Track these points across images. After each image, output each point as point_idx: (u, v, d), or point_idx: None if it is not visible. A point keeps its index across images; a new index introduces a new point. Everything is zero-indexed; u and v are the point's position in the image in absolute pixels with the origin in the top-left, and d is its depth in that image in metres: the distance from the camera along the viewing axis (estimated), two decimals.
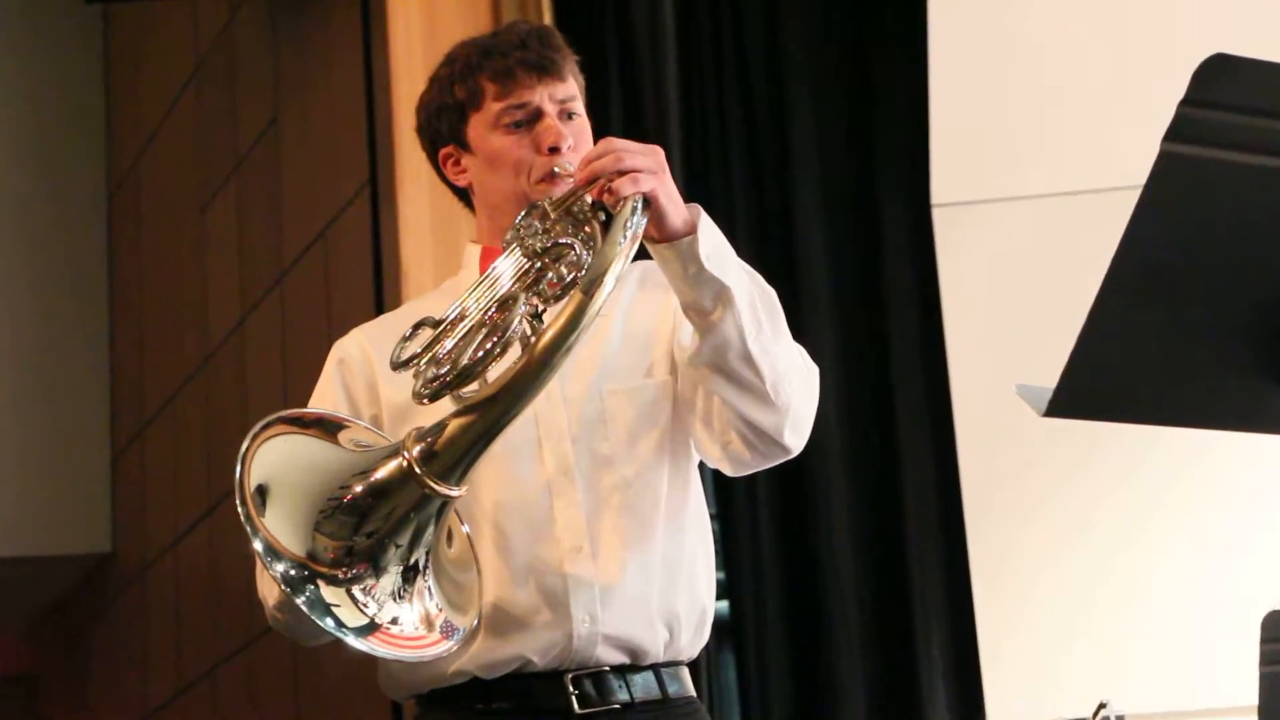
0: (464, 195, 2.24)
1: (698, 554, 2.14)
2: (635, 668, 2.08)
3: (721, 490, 3.67)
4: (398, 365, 1.94)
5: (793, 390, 2.02)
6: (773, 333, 2.01)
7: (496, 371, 1.89)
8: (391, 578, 1.87)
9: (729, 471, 2.12)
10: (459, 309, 1.94)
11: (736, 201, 3.89)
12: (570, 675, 2.06)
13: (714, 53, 3.95)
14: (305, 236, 4.62)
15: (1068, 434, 3.40)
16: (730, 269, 1.98)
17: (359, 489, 1.87)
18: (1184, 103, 1.50)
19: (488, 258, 2.17)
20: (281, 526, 1.85)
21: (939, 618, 3.65)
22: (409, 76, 4.06)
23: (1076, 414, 1.64)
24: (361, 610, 1.84)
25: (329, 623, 1.83)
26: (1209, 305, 1.54)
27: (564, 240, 1.92)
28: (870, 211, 3.87)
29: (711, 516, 3.74)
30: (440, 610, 1.88)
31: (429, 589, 1.88)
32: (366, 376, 2.16)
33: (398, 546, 1.87)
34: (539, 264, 1.92)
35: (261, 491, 1.86)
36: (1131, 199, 1.57)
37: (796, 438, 2.05)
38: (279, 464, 1.89)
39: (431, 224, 4.02)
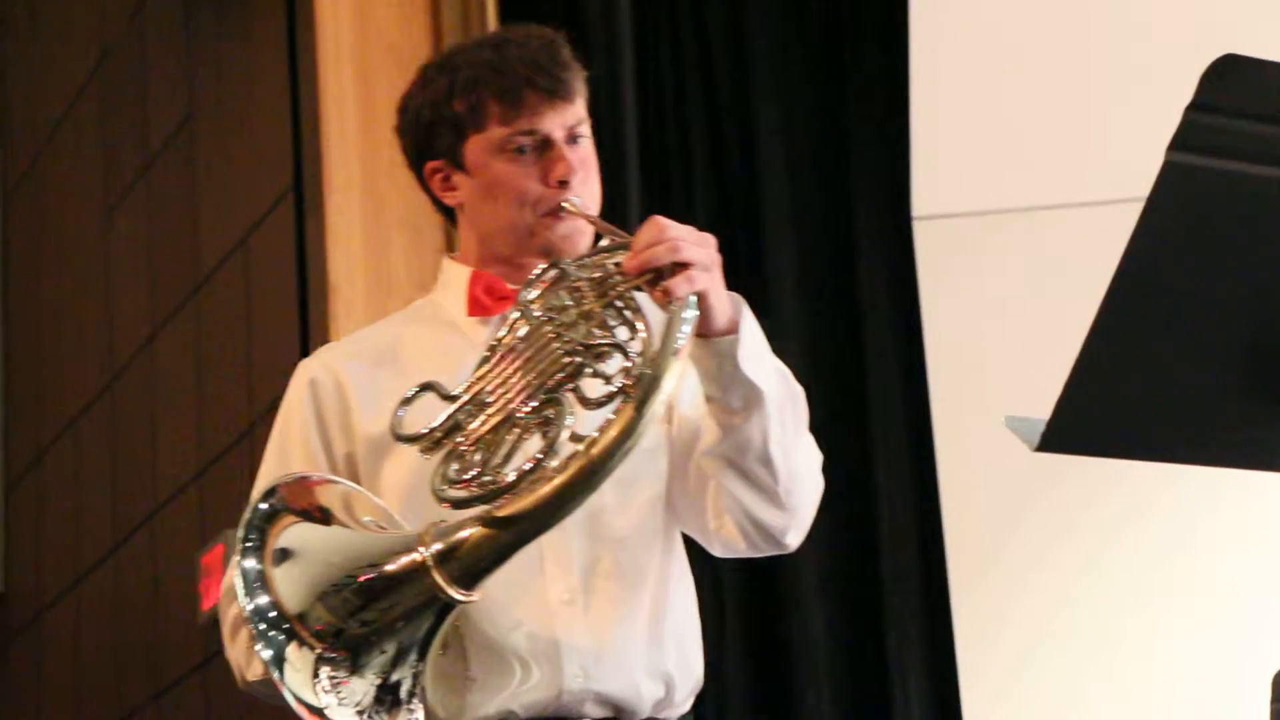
0: (447, 210, 2.25)
1: (686, 614, 2.19)
2: None
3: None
4: (402, 438, 1.97)
5: (803, 492, 2.09)
6: (795, 435, 2.06)
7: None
8: (365, 684, 1.89)
9: (716, 553, 2.17)
10: (476, 390, 1.96)
11: (699, 213, 3.89)
12: None
13: (673, 55, 3.95)
14: (224, 245, 4.60)
15: (1066, 472, 3.41)
16: (765, 371, 2.02)
17: (371, 575, 1.90)
18: (1191, 107, 1.50)
19: (477, 284, 2.17)
20: (288, 583, 1.88)
21: (919, 687, 3.65)
22: (337, 73, 4.04)
23: (1073, 449, 1.64)
24: (315, 688, 1.86)
25: (275, 674, 1.85)
26: (1219, 329, 1.54)
27: (608, 341, 1.93)
28: (845, 224, 3.88)
29: None
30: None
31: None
32: (339, 407, 2.16)
33: (382, 652, 1.89)
34: (579, 359, 1.93)
35: (284, 553, 1.89)
36: (1129, 213, 1.57)
37: (799, 536, 2.12)
38: (305, 535, 1.92)
39: (362, 235, 4.01)
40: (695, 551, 2.22)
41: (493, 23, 3.99)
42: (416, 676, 1.90)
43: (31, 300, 5.96)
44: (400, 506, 2.01)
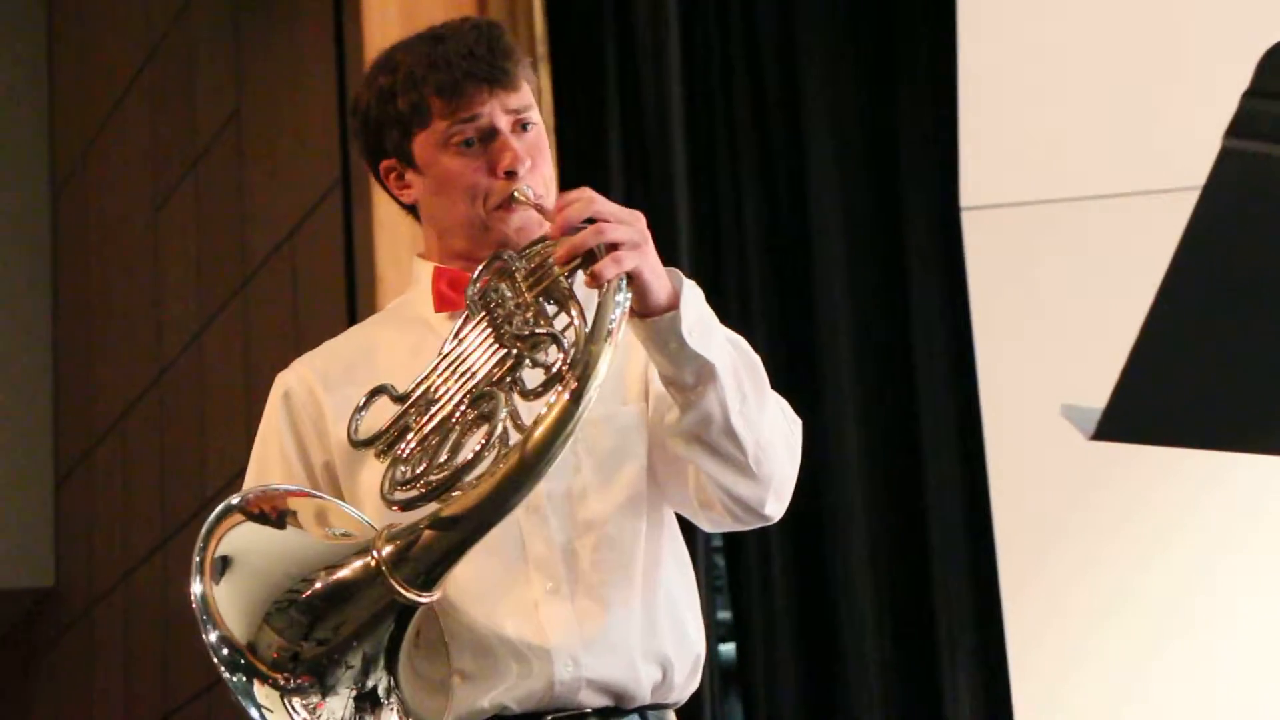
0: (410, 207, 2.24)
1: (681, 592, 2.16)
2: (619, 711, 2.10)
3: (729, 535, 3.67)
4: (358, 444, 1.99)
5: (775, 460, 2.06)
6: (757, 403, 2.03)
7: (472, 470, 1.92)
8: (342, 701, 1.89)
9: (706, 528, 2.17)
10: (424, 389, 1.98)
11: (745, 207, 3.88)
12: (549, 718, 2.07)
13: (721, 45, 3.95)
14: (271, 239, 4.61)
15: (1122, 462, 3.38)
16: (713, 343, 2.00)
17: (319, 585, 1.90)
18: (1248, 94, 1.49)
19: (441, 279, 2.17)
20: (230, 605, 1.88)
21: (968, 663, 3.64)
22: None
23: (1129, 438, 1.62)
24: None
25: (255, 716, 1.84)
26: (1277, 316, 1.53)
27: (543, 330, 1.94)
28: (894, 216, 3.86)
29: (716, 550, 3.78)
30: None
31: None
32: (313, 416, 2.16)
33: (349, 667, 1.89)
34: (515, 350, 1.95)
35: (224, 561, 1.89)
36: (1182, 201, 1.56)
37: (778, 505, 2.09)
38: (249, 538, 1.91)
39: (409, 225, 4.01)
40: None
41: (539, 14, 3.99)
42: (391, 676, 1.90)
43: (81, 295, 6.00)
44: (379, 513, 1.99)
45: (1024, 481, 3.67)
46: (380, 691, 1.89)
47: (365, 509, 2.01)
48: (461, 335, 1.99)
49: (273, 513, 1.94)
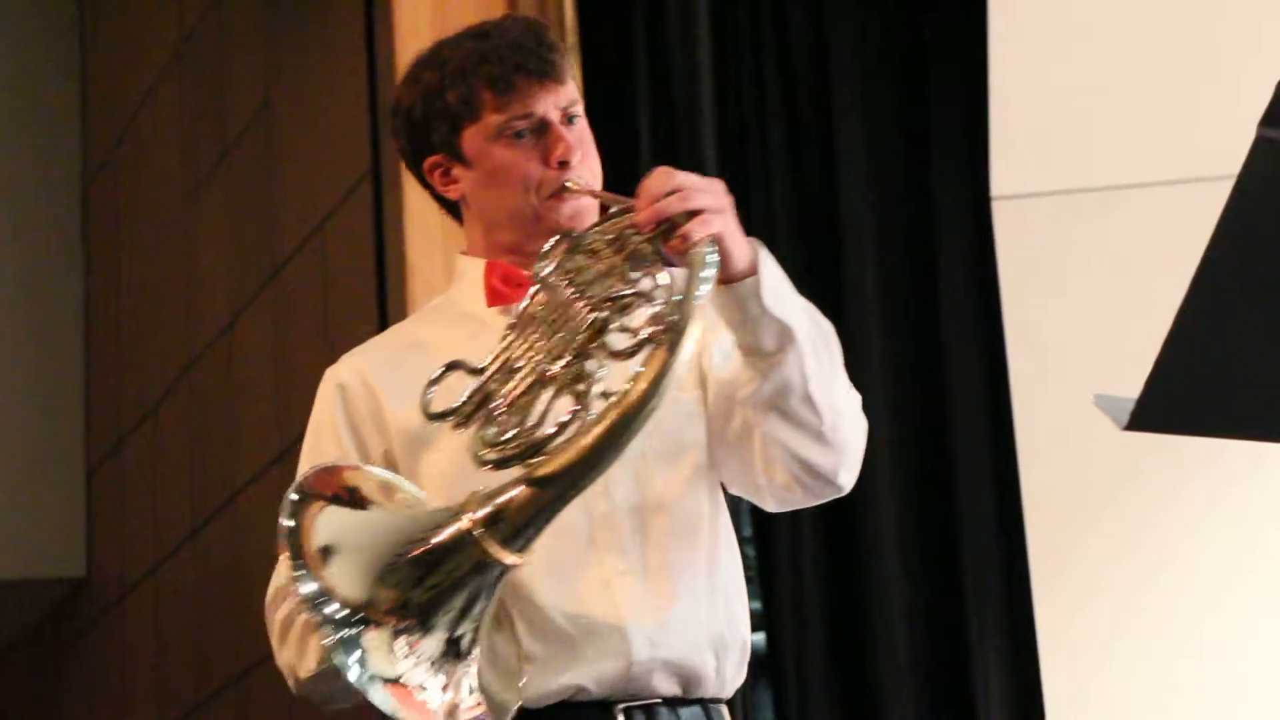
0: (451, 206, 2.25)
1: (735, 577, 2.18)
2: (685, 700, 2.11)
3: (758, 511, 3.67)
4: (432, 416, 1.97)
5: (848, 427, 2.08)
6: (831, 370, 2.06)
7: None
8: (434, 642, 1.89)
9: (770, 507, 2.17)
10: (503, 360, 1.96)
11: (775, 195, 3.88)
12: (621, 707, 2.09)
13: (752, 29, 3.94)
14: (302, 229, 4.63)
15: (1154, 452, 3.37)
16: (793, 308, 2.02)
17: (420, 550, 1.89)
18: None
19: (493, 274, 2.18)
20: (343, 579, 1.88)
21: (998, 653, 3.63)
22: (415, 56, 4.06)
23: (1162, 428, 1.62)
24: (393, 661, 1.86)
25: (354, 666, 1.84)
26: None
27: (630, 292, 1.94)
28: (923, 205, 3.86)
29: (746, 540, 3.78)
30: (470, 710, 1.89)
31: (467, 681, 1.90)
32: (370, 406, 2.16)
33: (447, 611, 1.89)
34: (602, 314, 1.94)
35: (326, 551, 1.88)
36: (1215, 190, 1.56)
37: (850, 475, 2.11)
38: (339, 521, 1.91)
39: (439, 217, 4.01)
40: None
41: (569, 9, 3.99)
42: (476, 632, 1.90)
43: (112, 285, 6.02)
44: (442, 496, 2.00)
45: (1055, 472, 3.66)
46: (464, 644, 1.89)
47: (427, 493, 2.01)
48: (533, 309, 1.99)
49: (344, 492, 1.93)
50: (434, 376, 1.98)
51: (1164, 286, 1.68)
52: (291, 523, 1.88)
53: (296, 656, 2.09)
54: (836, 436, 2.06)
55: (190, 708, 5.16)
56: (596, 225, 2.03)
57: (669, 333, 1.88)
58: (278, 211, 4.80)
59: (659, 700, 2.09)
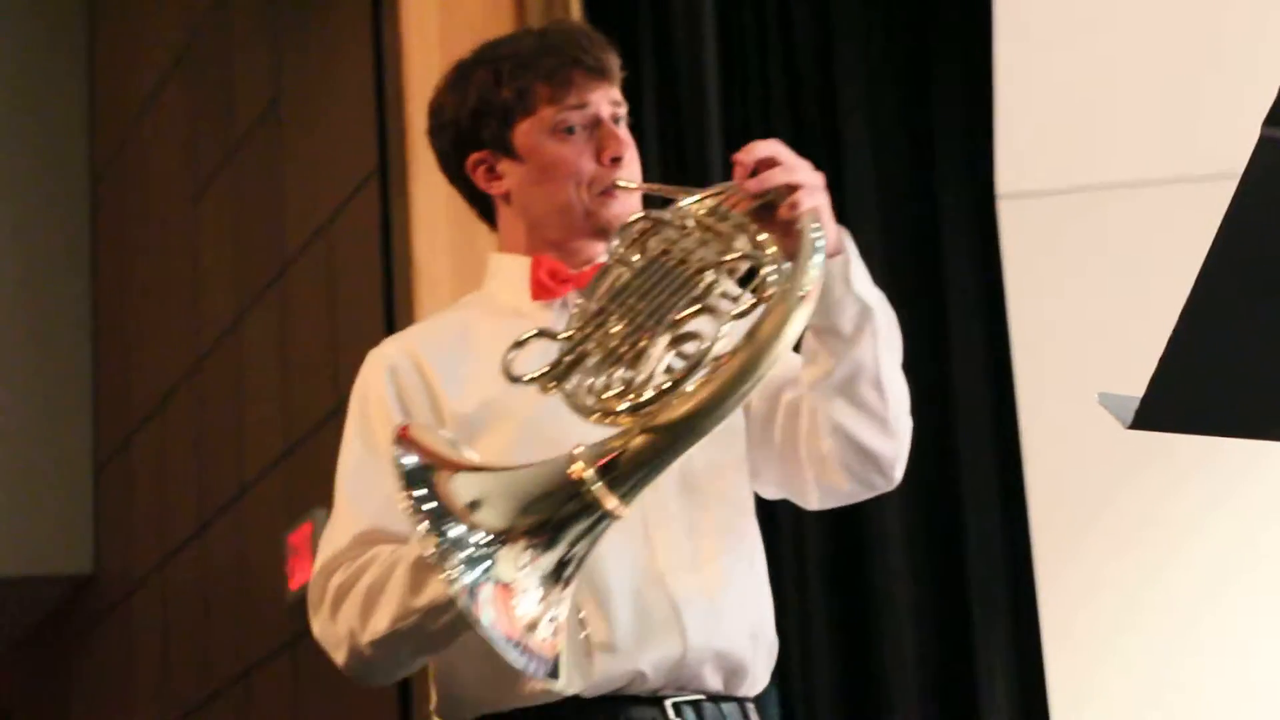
0: (485, 204, 2.26)
1: (765, 576, 2.21)
2: (727, 697, 2.14)
3: (761, 509, 3.66)
4: (518, 379, 1.94)
5: (906, 419, 2.12)
6: (896, 358, 2.10)
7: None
8: (551, 557, 1.86)
9: (812, 504, 2.19)
10: (595, 324, 1.95)
11: None
12: (671, 701, 2.10)
13: (757, 29, 3.94)
14: (307, 229, 4.63)
15: (1157, 450, 3.37)
16: (871, 289, 2.06)
17: (536, 495, 1.87)
18: None
19: (540, 268, 2.19)
20: (485, 516, 1.86)
21: (1003, 651, 3.63)
22: (423, 54, 4.06)
23: (1167, 426, 1.62)
24: (512, 569, 1.83)
25: (462, 567, 1.81)
26: None
27: (740, 254, 1.93)
28: (928, 203, 3.86)
29: None
30: (542, 641, 1.88)
31: (555, 611, 1.87)
32: (422, 384, 2.15)
33: (561, 541, 1.87)
34: (707, 275, 1.93)
35: (474, 505, 1.87)
36: (1220, 189, 1.56)
37: (901, 470, 2.14)
38: (465, 480, 1.90)
39: (447, 215, 4.03)
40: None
41: (575, 9, 4.00)
42: (579, 566, 1.89)
43: (119, 284, 6.03)
44: None
45: (1059, 470, 3.66)
46: (567, 573, 1.88)
47: None
48: (618, 281, 1.98)
49: (449, 455, 1.91)
50: (520, 339, 1.96)
51: (1168, 285, 1.68)
52: (423, 490, 1.85)
53: (360, 620, 2.05)
54: (898, 425, 2.09)
55: (194, 705, 5.16)
56: (685, 202, 2.02)
57: (787, 284, 1.88)
58: (283, 211, 4.81)
59: (704, 696, 2.11)
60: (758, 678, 2.17)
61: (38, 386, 6.08)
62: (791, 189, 1.97)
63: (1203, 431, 1.67)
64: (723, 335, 1.89)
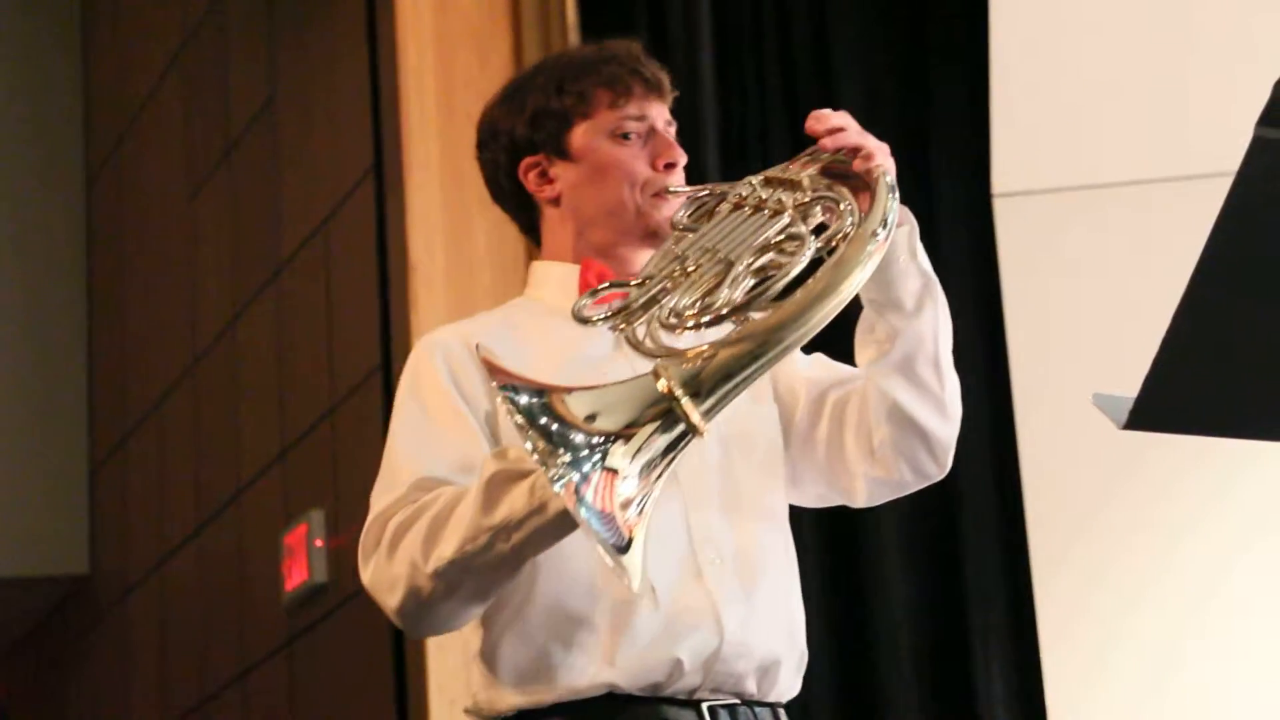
0: (529, 217, 2.29)
1: (798, 587, 2.22)
2: (760, 702, 2.15)
3: None
4: (588, 319, 1.94)
5: (958, 402, 2.15)
6: (949, 342, 2.13)
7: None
8: (650, 452, 1.83)
9: (859, 501, 2.23)
10: (666, 269, 1.96)
11: None
12: (707, 705, 2.11)
13: (754, 36, 3.94)
14: (304, 228, 4.63)
15: (1154, 448, 3.37)
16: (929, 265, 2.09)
17: (625, 412, 1.85)
18: None
19: (589, 271, 2.20)
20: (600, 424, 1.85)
21: (1000, 649, 3.64)
22: (418, 53, 4.06)
23: (1162, 427, 1.62)
24: (602, 460, 1.81)
25: (568, 459, 1.80)
26: None
27: (818, 194, 1.97)
28: (925, 202, 3.86)
29: None
30: (630, 520, 1.84)
31: (647, 497, 1.84)
32: (475, 368, 2.14)
33: (640, 451, 1.84)
34: (788, 218, 1.95)
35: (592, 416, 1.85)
36: (1215, 188, 1.56)
37: (951, 456, 2.18)
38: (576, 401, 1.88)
39: (443, 214, 4.03)
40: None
41: (571, 9, 4.00)
42: (659, 482, 1.86)
43: (115, 283, 6.02)
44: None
45: (1055, 469, 3.67)
46: (656, 474, 1.85)
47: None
48: (685, 241, 2.00)
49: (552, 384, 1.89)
50: (597, 288, 2.00)
51: (1164, 283, 1.68)
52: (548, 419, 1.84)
53: (422, 550, 2.03)
54: (954, 409, 2.13)
55: (192, 705, 5.16)
56: (743, 181, 2.06)
57: (865, 224, 1.90)
58: (280, 210, 4.81)
59: (738, 700, 2.12)
60: (790, 683, 2.18)
61: (33, 386, 6.08)
62: (862, 150, 2.02)
63: (1197, 432, 1.67)
64: (800, 266, 1.90)
